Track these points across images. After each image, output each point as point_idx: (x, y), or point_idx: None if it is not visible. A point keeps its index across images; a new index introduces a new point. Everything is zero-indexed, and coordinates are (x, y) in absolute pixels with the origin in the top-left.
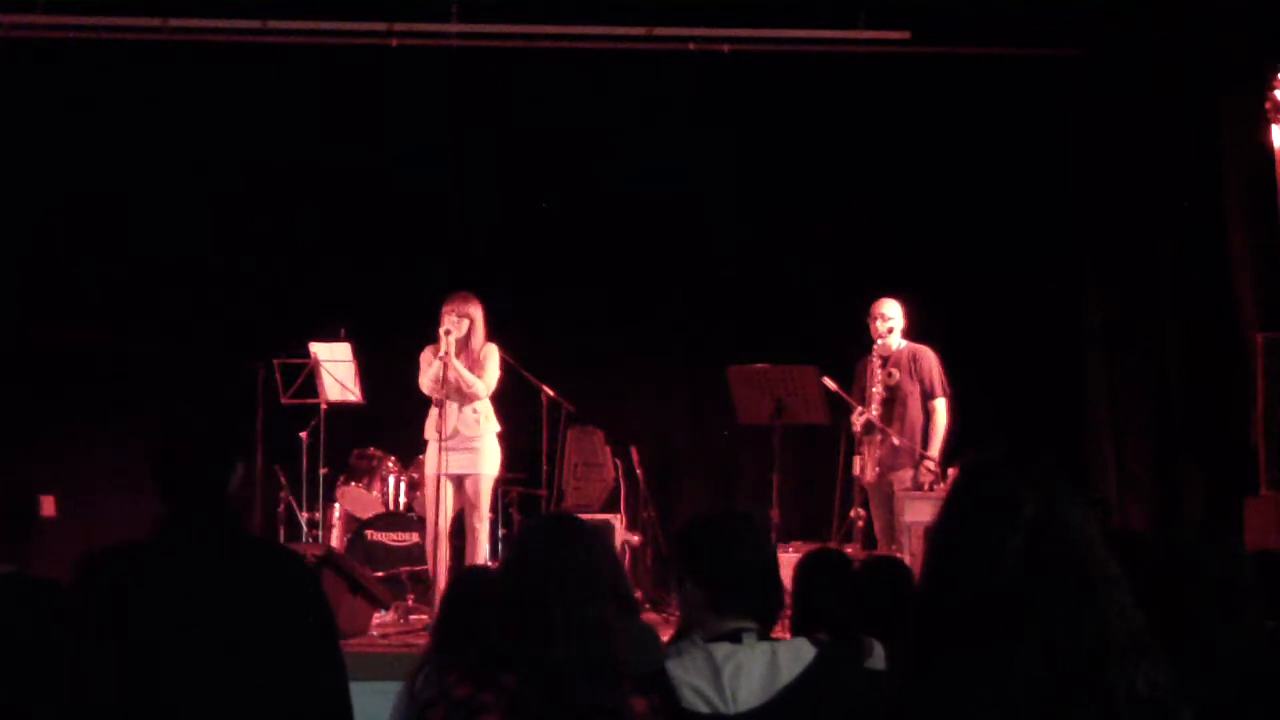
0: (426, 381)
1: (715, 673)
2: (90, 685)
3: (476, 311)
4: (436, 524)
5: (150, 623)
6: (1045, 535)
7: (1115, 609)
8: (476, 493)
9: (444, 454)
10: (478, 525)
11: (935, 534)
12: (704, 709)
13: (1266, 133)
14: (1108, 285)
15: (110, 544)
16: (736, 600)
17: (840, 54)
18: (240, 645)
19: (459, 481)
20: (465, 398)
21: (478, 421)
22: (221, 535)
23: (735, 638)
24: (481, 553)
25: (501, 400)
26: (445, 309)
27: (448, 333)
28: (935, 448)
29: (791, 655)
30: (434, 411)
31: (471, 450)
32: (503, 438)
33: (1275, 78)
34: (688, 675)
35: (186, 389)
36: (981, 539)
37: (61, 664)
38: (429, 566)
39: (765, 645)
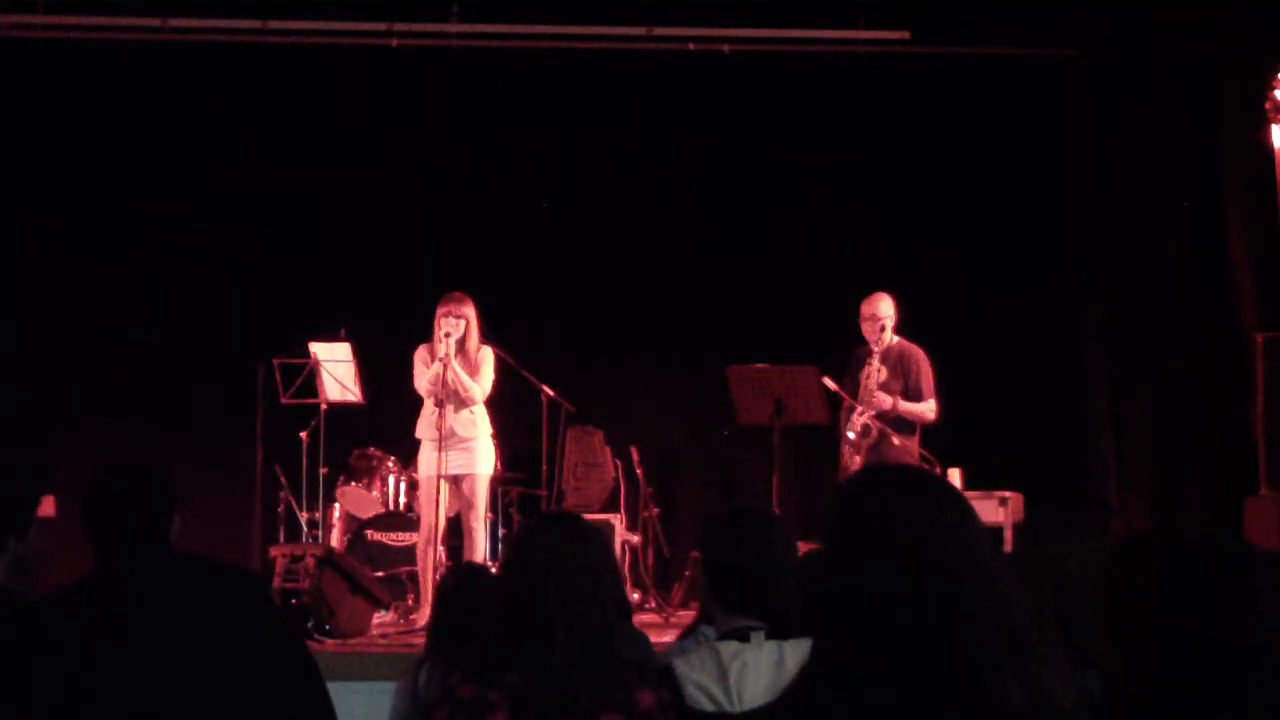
0: (424, 383)
1: (721, 671)
2: None
3: (471, 312)
4: (435, 525)
5: (102, 664)
6: (917, 552)
7: (994, 621)
8: (474, 492)
9: (443, 454)
10: (475, 525)
11: (816, 552)
12: (709, 707)
13: (1266, 133)
14: (1108, 285)
15: (48, 592)
16: (739, 598)
17: (840, 54)
18: (202, 670)
19: (456, 482)
20: (462, 401)
21: (474, 422)
22: (162, 566)
23: (743, 636)
24: (479, 552)
25: (501, 400)
26: (440, 310)
27: (448, 335)
28: (900, 407)
29: (798, 655)
30: (429, 412)
31: (468, 450)
32: (495, 439)
33: (1275, 78)
34: (693, 673)
35: (187, 388)
36: (851, 555)
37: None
38: (418, 567)
39: (772, 645)
